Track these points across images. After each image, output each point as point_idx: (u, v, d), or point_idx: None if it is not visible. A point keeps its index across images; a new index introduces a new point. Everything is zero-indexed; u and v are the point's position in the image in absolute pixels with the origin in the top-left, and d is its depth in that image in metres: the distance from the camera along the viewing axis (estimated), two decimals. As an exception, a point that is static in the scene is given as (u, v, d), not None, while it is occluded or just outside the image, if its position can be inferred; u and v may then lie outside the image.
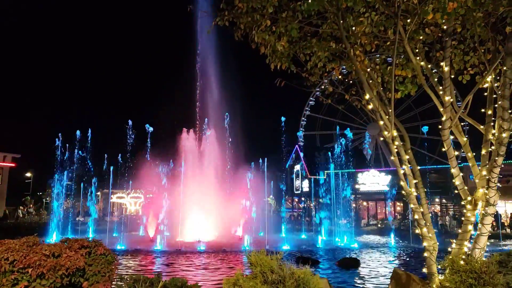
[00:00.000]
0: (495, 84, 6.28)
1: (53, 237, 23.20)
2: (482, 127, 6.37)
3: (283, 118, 34.93)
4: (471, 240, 5.95)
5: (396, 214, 46.81)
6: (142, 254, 17.57)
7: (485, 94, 6.46)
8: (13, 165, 47.91)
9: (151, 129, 30.73)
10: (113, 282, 5.47)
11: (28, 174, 60.07)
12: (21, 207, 43.62)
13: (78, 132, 31.50)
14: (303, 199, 56.99)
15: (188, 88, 31.69)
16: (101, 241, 5.89)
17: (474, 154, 6.43)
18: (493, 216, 5.90)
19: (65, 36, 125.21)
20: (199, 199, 25.83)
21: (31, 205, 50.47)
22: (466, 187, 6.20)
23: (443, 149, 6.32)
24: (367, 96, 6.64)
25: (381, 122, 6.55)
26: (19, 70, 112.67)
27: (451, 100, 6.15)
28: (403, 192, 6.25)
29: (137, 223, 30.18)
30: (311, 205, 56.40)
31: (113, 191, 54.08)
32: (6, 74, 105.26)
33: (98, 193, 53.79)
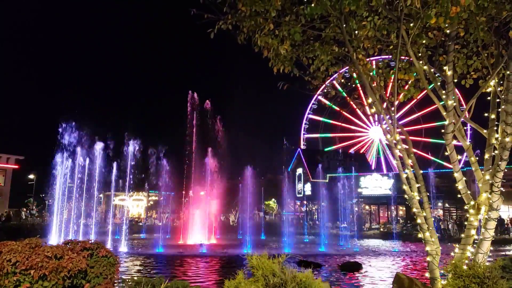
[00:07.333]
0: (498, 89, 6.27)
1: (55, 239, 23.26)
2: (485, 131, 6.35)
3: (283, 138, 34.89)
4: (474, 245, 5.92)
5: (398, 218, 46.63)
6: (145, 257, 17.57)
7: (488, 98, 6.45)
8: (17, 166, 48.10)
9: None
10: (115, 284, 5.46)
11: (31, 176, 60.16)
12: (24, 208, 43.70)
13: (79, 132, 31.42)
14: (305, 202, 56.87)
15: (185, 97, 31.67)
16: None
17: (477, 158, 6.40)
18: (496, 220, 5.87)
19: (75, 40, 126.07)
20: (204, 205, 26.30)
21: (34, 207, 50.57)
22: (469, 192, 6.17)
23: (446, 153, 6.30)
24: (369, 100, 6.64)
25: (384, 126, 6.54)
26: (23, 73, 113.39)
27: (454, 104, 6.14)
28: (405, 196, 6.23)
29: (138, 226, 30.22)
30: (313, 208, 56.25)
31: (115, 193, 54.05)
32: (11, 77, 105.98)
33: (101, 195, 53.80)
